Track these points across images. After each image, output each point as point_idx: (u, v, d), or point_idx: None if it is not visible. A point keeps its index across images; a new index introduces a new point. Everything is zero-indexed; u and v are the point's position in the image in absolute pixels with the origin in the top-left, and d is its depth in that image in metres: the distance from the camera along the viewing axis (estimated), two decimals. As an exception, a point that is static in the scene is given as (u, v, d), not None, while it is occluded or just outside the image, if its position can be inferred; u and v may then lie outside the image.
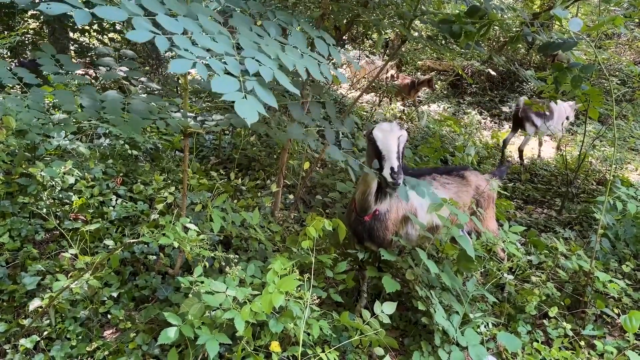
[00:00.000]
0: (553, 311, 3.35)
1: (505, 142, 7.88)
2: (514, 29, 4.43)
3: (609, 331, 3.59)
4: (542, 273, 4.01)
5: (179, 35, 1.70)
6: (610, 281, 3.45)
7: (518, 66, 4.67)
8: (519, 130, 7.75)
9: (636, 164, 7.53)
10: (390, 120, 3.38)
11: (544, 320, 3.59)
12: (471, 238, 3.89)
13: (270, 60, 1.84)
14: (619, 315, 3.54)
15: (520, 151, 7.74)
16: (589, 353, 3.21)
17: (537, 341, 3.30)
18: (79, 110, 2.59)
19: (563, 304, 3.69)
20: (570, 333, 3.32)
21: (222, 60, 1.72)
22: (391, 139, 2.82)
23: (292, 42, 2.18)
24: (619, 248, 4.49)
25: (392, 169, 2.73)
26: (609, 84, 3.23)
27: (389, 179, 2.74)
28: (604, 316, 3.69)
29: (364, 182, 3.08)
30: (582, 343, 3.32)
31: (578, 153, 6.57)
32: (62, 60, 2.63)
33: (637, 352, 3.09)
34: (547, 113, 7.59)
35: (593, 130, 8.09)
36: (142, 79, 3.21)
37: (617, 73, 10.68)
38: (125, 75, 2.99)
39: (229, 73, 1.68)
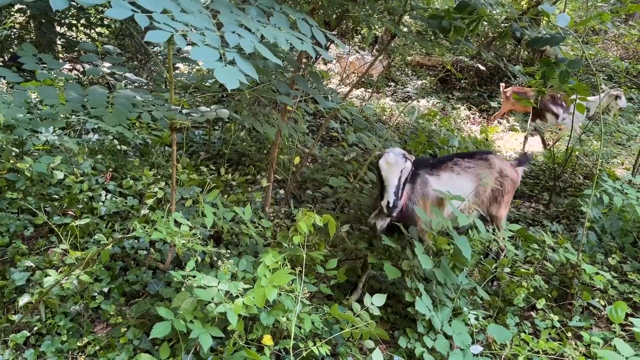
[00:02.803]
0: (541, 303, 3.40)
1: (526, 136, 8.12)
2: (503, 25, 4.46)
3: (596, 322, 3.65)
4: (530, 266, 4.06)
5: (158, 13, 1.70)
6: (597, 273, 3.51)
7: (506, 62, 4.71)
8: (538, 120, 7.85)
9: (622, 158, 7.63)
10: (399, 147, 3.64)
11: (532, 312, 3.65)
12: (485, 222, 4.07)
13: (251, 34, 1.87)
14: (605, 306, 3.60)
15: (543, 140, 8.05)
16: (575, 344, 3.26)
17: (525, 332, 3.35)
18: (64, 105, 2.58)
19: (550, 296, 3.74)
20: (558, 324, 3.37)
21: (202, 34, 1.74)
22: (394, 172, 3.16)
23: (274, 23, 2.21)
24: (606, 241, 4.55)
25: (388, 202, 3.15)
26: (596, 79, 3.28)
27: (385, 210, 3.18)
28: (590, 308, 3.75)
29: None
30: (569, 334, 3.37)
31: (565, 147, 6.65)
32: (45, 59, 2.62)
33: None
34: (564, 104, 7.62)
35: (580, 125, 8.17)
36: (128, 74, 3.20)
37: (603, 69, 10.79)
38: (109, 71, 2.98)
39: (209, 45, 1.71)
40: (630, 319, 2.25)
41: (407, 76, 12.45)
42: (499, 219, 4.08)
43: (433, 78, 11.49)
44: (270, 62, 2.95)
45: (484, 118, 10.37)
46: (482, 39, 11.62)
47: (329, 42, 2.51)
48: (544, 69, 3.37)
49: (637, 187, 4.80)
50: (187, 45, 1.77)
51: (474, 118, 10.34)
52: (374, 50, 12.40)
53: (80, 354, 2.75)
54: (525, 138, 8.28)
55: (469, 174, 3.85)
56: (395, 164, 3.15)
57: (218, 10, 2.11)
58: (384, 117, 8.78)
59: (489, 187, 3.92)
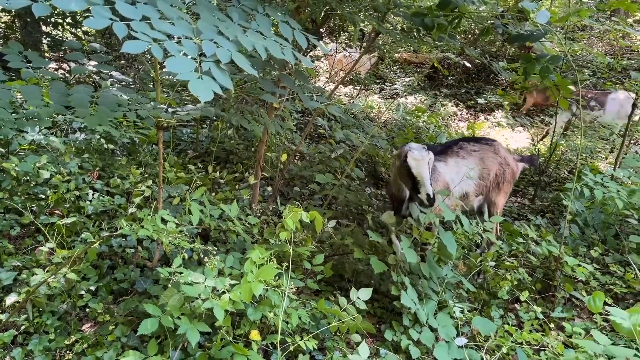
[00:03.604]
0: (524, 295, 3.46)
1: (547, 131, 8.04)
2: (489, 21, 4.51)
3: (578, 313, 3.72)
4: (515, 260, 4.13)
5: (137, 21, 1.72)
6: (579, 265, 3.58)
7: (489, 58, 4.77)
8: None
9: (606, 153, 7.74)
10: (417, 143, 3.83)
11: (516, 305, 3.71)
12: (483, 210, 4.38)
13: (228, 42, 1.88)
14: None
15: (546, 133, 8.02)
16: (558, 334, 3.33)
17: (509, 324, 3.41)
18: (48, 107, 2.58)
19: (534, 288, 3.81)
20: (541, 316, 3.43)
21: (179, 43, 1.76)
22: (423, 166, 3.29)
23: (255, 27, 2.22)
24: (588, 234, 4.63)
25: (428, 195, 3.27)
26: (576, 75, 3.34)
27: (426, 202, 3.31)
28: (573, 299, 3.82)
29: (397, 182, 3.65)
30: (552, 325, 3.43)
31: (550, 143, 6.73)
32: (30, 57, 2.62)
33: (604, 333, 3.22)
34: (593, 103, 7.55)
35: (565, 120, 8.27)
36: (114, 73, 3.20)
37: (588, 64, 10.92)
38: (95, 69, 2.99)
39: (186, 55, 1.72)
40: (608, 307, 2.31)
41: (395, 73, 12.50)
42: (497, 206, 4.27)
43: (420, 75, 11.56)
44: (258, 59, 2.99)
45: (470, 114, 10.46)
46: (469, 36, 11.69)
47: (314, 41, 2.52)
48: (525, 64, 3.43)
49: (620, 181, 4.89)
50: (164, 57, 1.78)
51: (461, 114, 10.42)
52: (362, 48, 12.43)
53: (67, 352, 2.76)
54: (547, 133, 8.23)
55: (474, 157, 4.05)
56: (422, 159, 3.30)
57: (199, 14, 2.12)
58: (372, 115, 8.83)
59: (492, 171, 4.10)
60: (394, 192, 3.79)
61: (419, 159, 3.30)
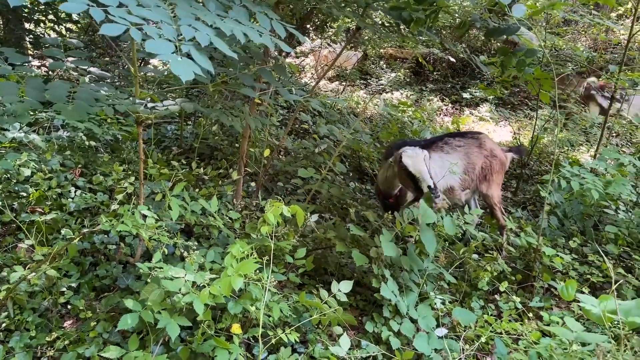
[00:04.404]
0: (503, 286, 3.52)
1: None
2: (471, 16, 4.55)
3: (557, 303, 3.78)
4: (494, 251, 4.19)
5: (114, 7, 1.74)
6: (556, 255, 3.64)
7: (475, 53, 4.82)
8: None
9: (588, 146, 7.84)
10: (408, 143, 3.91)
11: (497, 296, 3.77)
12: (474, 202, 4.51)
13: (207, 27, 1.91)
14: (566, 287, 3.73)
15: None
16: (536, 324, 3.39)
17: (489, 314, 3.46)
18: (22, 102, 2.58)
19: (515, 279, 3.87)
20: (520, 306, 3.49)
21: (158, 27, 1.78)
22: (420, 163, 3.42)
23: (233, 16, 2.25)
24: (567, 225, 4.71)
25: (429, 186, 3.37)
26: (552, 69, 3.39)
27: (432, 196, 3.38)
28: (551, 289, 3.89)
29: (386, 181, 3.84)
30: (531, 314, 3.49)
31: (531, 136, 6.81)
32: (7, 53, 2.61)
33: (580, 321, 3.29)
34: (618, 96, 7.46)
35: (546, 114, 8.36)
36: (92, 69, 3.20)
37: (570, 59, 11.02)
38: (73, 65, 2.99)
39: (166, 39, 1.75)
40: (579, 295, 2.36)
41: (381, 69, 12.54)
42: (491, 197, 4.32)
43: (406, 70, 11.61)
44: (238, 55, 3.00)
45: (456, 109, 10.53)
46: (454, 31, 11.74)
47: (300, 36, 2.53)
48: (502, 58, 3.47)
49: (600, 173, 4.96)
50: (143, 39, 1.80)
51: (446, 109, 10.49)
52: (349, 44, 12.43)
53: (49, 348, 2.76)
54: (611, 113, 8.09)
55: (457, 152, 4.10)
56: (416, 155, 3.42)
57: (175, 3, 2.13)
58: (358, 110, 8.85)
59: (478, 165, 4.16)
60: (382, 190, 3.86)
61: (414, 156, 3.41)
